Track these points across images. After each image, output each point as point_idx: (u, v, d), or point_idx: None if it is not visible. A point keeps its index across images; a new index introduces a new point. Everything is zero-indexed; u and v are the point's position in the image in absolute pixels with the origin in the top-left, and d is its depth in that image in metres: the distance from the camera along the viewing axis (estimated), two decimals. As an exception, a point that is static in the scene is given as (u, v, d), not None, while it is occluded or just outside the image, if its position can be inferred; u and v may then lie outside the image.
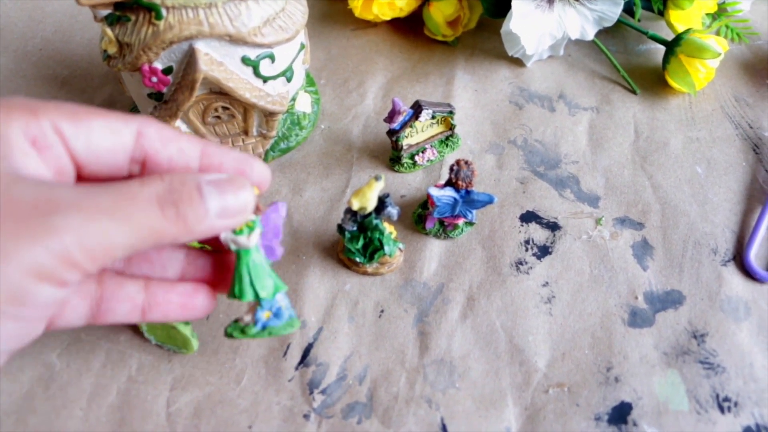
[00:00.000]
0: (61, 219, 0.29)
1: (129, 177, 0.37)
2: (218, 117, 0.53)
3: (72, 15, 0.73)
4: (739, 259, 0.51)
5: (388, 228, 0.49)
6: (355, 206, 0.44)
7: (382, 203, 0.45)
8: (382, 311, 0.48)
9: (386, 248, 0.47)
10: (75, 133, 0.34)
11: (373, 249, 0.48)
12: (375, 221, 0.46)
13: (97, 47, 0.70)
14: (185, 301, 0.39)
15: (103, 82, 0.66)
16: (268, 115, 0.54)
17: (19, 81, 0.66)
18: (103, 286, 0.38)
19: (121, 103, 0.63)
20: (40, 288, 0.30)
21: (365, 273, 0.50)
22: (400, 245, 0.50)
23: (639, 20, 0.68)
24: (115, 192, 0.32)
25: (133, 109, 0.61)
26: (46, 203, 0.30)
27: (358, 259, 0.48)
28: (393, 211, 0.45)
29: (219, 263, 0.41)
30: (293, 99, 0.57)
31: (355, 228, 0.47)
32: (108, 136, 0.35)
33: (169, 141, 0.37)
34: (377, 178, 0.43)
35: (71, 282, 0.31)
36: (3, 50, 0.69)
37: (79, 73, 0.67)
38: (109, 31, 0.49)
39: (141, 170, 0.37)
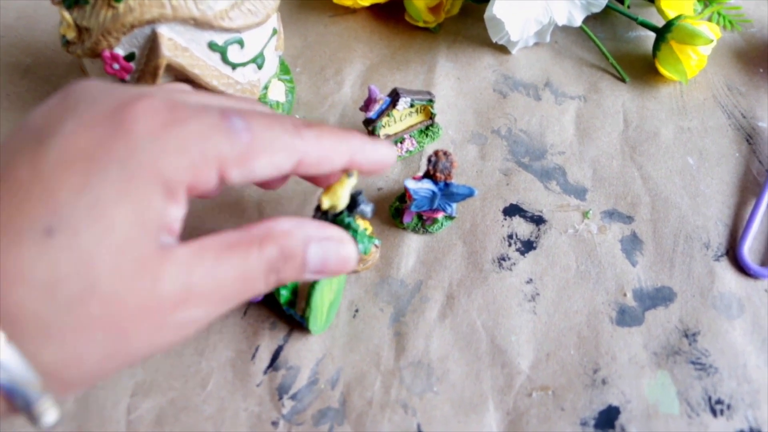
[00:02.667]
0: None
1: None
2: (185, 105, 0.51)
3: (35, 0, 0.71)
4: (732, 253, 0.49)
5: (363, 224, 0.46)
6: (326, 205, 0.41)
7: (354, 201, 0.42)
8: (356, 311, 0.46)
9: (360, 246, 0.44)
10: (239, 175, 0.32)
11: None
12: (347, 219, 0.43)
13: (59, 36, 0.67)
14: None
15: (68, 71, 0.63)
16: (238, 104, 0.52)
17: (-19, 69, 0.63)
18: None
19: (87, 92, 0.61)
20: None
21: None
22: (376, 241, 0.47)
23: (629, 6, 0.66)
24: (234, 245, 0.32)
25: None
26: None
27: None
28: (366, 209, 0.42)
29: None
30: (266, 87, 0.55)
31: None
32: (270, 171, 0.33)
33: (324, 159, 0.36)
34: (349, 175, 0.40)
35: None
36: (-36, 38, 0.66)
37: (43, 61, 0.64)
38: (66, 14, 0.47)
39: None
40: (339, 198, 0.40)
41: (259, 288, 0.32)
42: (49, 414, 0.27)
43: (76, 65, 0.63)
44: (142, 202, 0.28)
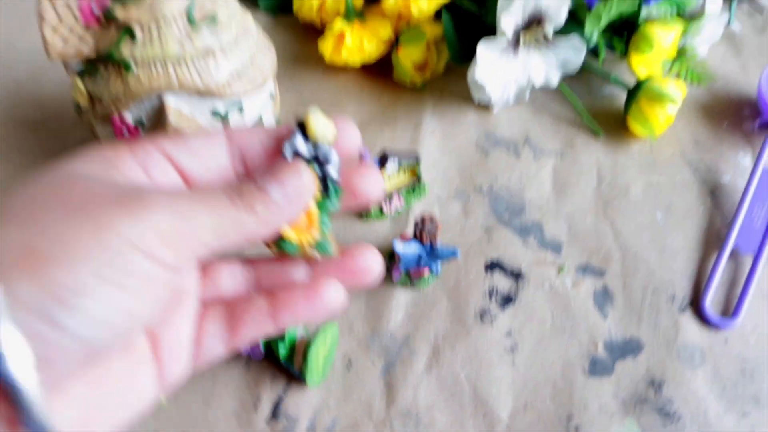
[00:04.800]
0: (157, 197, 0.32)
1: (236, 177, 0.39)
2: (189, 167, 0.55)
3: (44, 57, 0.74)
4: (696, 305, 0.53)
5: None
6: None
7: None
8: (350, 363, 0.49)
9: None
10: (176, 149, 0.37)
11: None
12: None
13: (69, 90, 0.70)
14: (310, 294, 0.38)
15: (75, 125, 0.66)
16: (239, 166, 0.55)
17: (-9, 123, 0.66)
18: (227, 304, 0.38)
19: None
20: (138, 258, 0.31)
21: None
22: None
23: (603, 61, 0.70)
24: (192, 189, 0.35)
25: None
26: (136, 188, 0.32)
27: None
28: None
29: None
30: (263, 147, 0.58)
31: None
32: (205, 143, 0.38)
33: (253, 133, 0.39)
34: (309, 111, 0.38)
35: (165, 261, 0.32)
36: (-26, 92, 0.70)
37: (52, 116, 0.68)
38: (80, 83, 0.51)
39: (244, 167, 0.39)
40: (317, 133, 0.38)
41: (233, 209, 0.34)
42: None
43: (84, 122, 0.66)
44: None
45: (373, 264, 0.40)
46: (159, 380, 0.36)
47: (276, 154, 0.39)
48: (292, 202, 0.36)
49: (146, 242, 0.31)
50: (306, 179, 0.36)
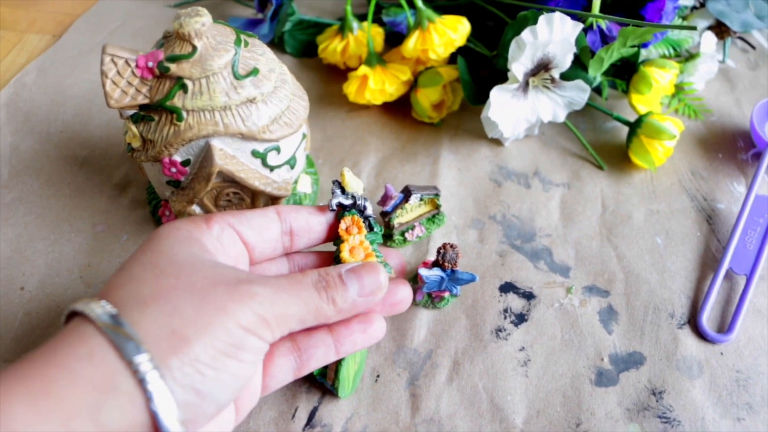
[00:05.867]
0: (258, 288, 0.40)
1: (284, 253, 0.50)
2: (229, 200, 0.60)
3: (90, 99, 0.80)
4: (693, 322, 0.57)
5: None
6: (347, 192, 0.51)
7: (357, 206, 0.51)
8: (378, 376, 0.54)
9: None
10: (239, 222, 0.47)
11: None
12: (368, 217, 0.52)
13: (113, 128, 0.76)
14: (365, 327, 0.48)
15: (119, 162, 0.72)
16: (274, 199, 0.60)
17: (44, 161, 0.72)
18: (296, 341, 0.48)
19: (136, 181, 0.69)
20: (250, 338, 0.39)
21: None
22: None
23: (606, 98, 0.76)
24: (287, 278, 0.43)
25: (149, 189, 0.67)
26: (245, 278, 0.41)
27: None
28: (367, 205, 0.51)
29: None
30: (295, 182, 0.63)
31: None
32: (261, 219, 0.48)
33: (299, 210, 0.50)
34: (343, 171, 0.51)
35: (266, 339, 0.40)
36: (29, 132, 0.75)
37: (98, 153, 0.73)
38: (134, 128, 0.55)
39: (290, 240, 0.49)
40: (351, 186, 0.51)
41: (318, 301, 0.43)
42: None
43: (126, 158, 0.72)
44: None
45: (407, 296, 0.51)
46: (236, 415, 0.45)
47: (329, 230, 0.51)
48: (366, 298, 0.46)
49: (252, 325, 0.39)
50: (382, 278, 0.46)
